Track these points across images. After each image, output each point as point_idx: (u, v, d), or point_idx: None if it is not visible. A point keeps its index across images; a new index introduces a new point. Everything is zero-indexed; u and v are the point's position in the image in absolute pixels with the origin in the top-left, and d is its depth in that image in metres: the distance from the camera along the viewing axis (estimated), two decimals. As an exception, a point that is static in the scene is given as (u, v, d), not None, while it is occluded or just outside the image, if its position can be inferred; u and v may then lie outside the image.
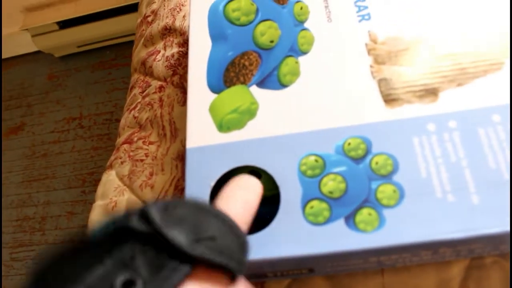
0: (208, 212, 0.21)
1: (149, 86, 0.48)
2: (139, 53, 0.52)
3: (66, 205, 1.15)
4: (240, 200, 0.24)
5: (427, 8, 0.32)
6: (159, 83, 0.47)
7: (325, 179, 0.27)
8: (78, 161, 1.19)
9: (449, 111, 0.28)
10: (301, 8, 0.34)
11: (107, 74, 1.30)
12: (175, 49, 0.47)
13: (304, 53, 0.32)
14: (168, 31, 0.50)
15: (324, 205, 0.27)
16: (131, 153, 0.44)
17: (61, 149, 1.23)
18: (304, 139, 0.29)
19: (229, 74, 0.32)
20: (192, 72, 0.33)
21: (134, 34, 0.57)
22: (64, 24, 1.25)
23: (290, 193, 0.27)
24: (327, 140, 0.29)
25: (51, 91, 1.34)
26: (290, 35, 0.33)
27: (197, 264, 0.19)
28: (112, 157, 0.47)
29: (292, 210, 0.27)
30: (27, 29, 1.26)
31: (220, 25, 0.34)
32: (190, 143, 0.30)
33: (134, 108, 0.48)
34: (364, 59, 0.31)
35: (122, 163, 0.45)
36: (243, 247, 0.21)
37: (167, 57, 0.48)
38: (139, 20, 0.56)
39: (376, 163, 0.27)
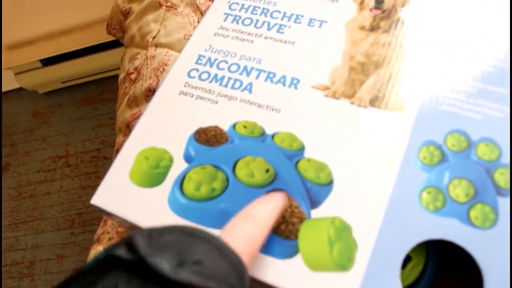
0: (195, 236, 0.21)
1: None
2: (123, 113, 0.48)
3: (55, 248, 1.09)
4: (241, 236, 0.23)
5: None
6: None
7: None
8: (66, 201, 1.13)
9: None
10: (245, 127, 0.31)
11: (93, 110, 1.25)
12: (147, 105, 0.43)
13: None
14: (152, 93, 0.46)
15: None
16: (119, 229, 0.41)
17: (48, 189, 1.17)
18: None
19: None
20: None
21: (118, 68, 0.53)
22: (47, 61, 1.21)
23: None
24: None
25: (35, 128, 1.28)
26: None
27: None
28: (99, 231, 0.43)
29: None
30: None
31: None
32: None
33: None
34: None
35: (110, 239, 0.41)
36: (237, 270, 0.20)
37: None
38: (122, 76, 0.52)
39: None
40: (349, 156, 0.29)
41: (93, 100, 1.26)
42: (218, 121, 0.32)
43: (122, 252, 0.19)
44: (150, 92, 0.46)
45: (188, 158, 0.31)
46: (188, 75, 0.35)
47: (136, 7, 0.53)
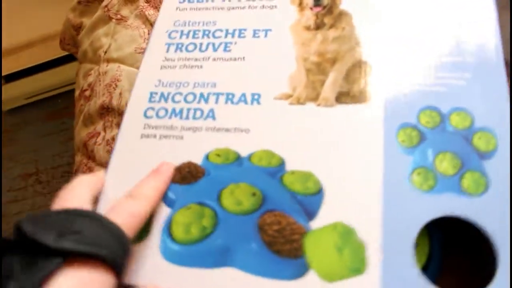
0: (77, 213, 0.24)
1: (91, 170, 0.44)
2: (80, 132, 0.46)
3: None
4: (123, 212, 0.26)
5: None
6: (101, 169, 0.40)
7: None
8: None
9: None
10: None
11: (61, 124, 1.22)
12: (115, 131, 0.41)
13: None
14: (106, 110, 0.44)
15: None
16: None
17: (20, 209, 1.12)
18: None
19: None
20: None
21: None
22: (8, 78, 1.17)
23: None
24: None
25: (2, 147, 1.22)
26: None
27: (71, 257, 0.21)
28: None
29: None
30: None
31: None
32: None
33: None
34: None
35: None
36: (118, 238, 0.23)
37: (107, 140, 0.43)
38: (77, 93, 0.51)
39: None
40: (331, 158, 0.28)
41: (60, 114, 1.23)
42: (189, 156, 0.31)
43: (13, 236, 0.22)
44: (103, 110, 0.45)
45: (169, 202, 0.29)
46: (145, 115, 0.33)
47: (87, 21, 0.51)
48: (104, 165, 0.42)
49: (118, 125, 0.41)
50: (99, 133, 0.44)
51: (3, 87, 1.18)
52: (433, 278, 0.25)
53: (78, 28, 0.53)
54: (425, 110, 0.29)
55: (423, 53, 0.31)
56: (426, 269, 0.28)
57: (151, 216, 0.28)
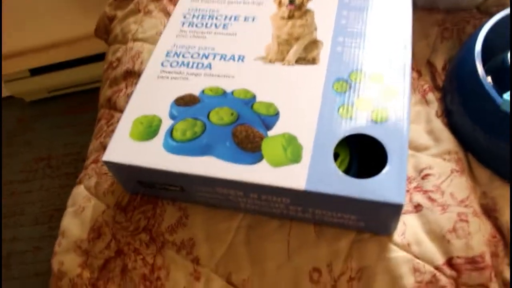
0: None
1: (113, 117, 0.55)
2: (105, 92, 0.58)
3: (32, 241, 1.13)
4: None
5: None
6: (121, 114, 0.52)
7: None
8: (45, 199, 1.19)
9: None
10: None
11: (76, 118, 1.34)
12: (134, 87, 0.54)
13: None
14: (129, 73, 0.57)
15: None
16: (97, 170, 0.51)
17: (29, 188, 1.23)
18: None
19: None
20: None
21: (99, 81, 0.64)
22: (35, 71, 1.29)
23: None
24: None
25: (19, 134, 1.34)
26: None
27: None
28: (82, 174, 0.52)
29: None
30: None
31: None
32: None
33: (100, 136, 0.55)
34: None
35: (89, 178, 0.51)
36: None
37: (127, 93, 0.55)
38: (105, 66, 0.63)
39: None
40: (288, 95, 0.42)
41: (76, 110, 1.36)
42: (190, 90, 0.44)
43: None
44: (127, 73, 0.57)
45: (172, 117, 0.42)
46: (162, 65, 0.47)
47: (120, 14, 0.66)
48: (123, 111, 0.54)
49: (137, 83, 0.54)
50: (121, 90, 0.56)
51: (29, 79, 1.31)
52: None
53: (112, 19, 0.68)
54: (354, 71, 0.42)
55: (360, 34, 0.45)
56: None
57: (158, 123, 0.41)
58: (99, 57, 1.25)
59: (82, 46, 1.21)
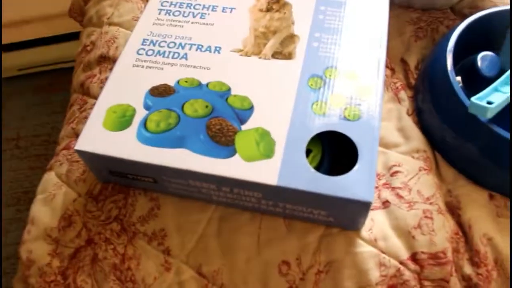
0: None
1: (86, 103, 0.54)
2: (79, 77, 0.57)
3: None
4: None
5: None
6: (94, 101, 0.53)
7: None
8: (14, 180, 1.17)
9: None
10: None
11: (47, 98, 1.31)
12: (108, 74, 0.53)
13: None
14: (104, 59, 0.56)
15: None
16: (69, 157, 0.50)
17: None
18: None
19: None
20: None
21: (73, 60, 0.62)
22: (6, 47, 1.26)
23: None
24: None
25: None
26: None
27: None
28: (52, 161, 0.52)
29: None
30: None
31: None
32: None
33: (73, 121, 0.54)
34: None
35: (60, 164, 0.50)
36: None
37: (101, 79, 0.54)
38: (79, 49, 0.62)
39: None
40: (262, 89, 0.42)
41: (47, 89, 1.32)
42: (166, 80, 0.44)
43: None
44: (101, 58, 0.57)
45: (147, 107, 0.42)
46: (137, 53, 0.46)
47: None
48: (96, 97, 0.52)
49: (112, 69, 0.53)
50: (95, 75, 0.55)
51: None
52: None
53: (87, 0, 0.66)
54: (329, 68, 0.43)
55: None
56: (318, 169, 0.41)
57: (132, 113, 0.41)
58: (73, 35, 1.21)
59: (56, 24, 1.17)
